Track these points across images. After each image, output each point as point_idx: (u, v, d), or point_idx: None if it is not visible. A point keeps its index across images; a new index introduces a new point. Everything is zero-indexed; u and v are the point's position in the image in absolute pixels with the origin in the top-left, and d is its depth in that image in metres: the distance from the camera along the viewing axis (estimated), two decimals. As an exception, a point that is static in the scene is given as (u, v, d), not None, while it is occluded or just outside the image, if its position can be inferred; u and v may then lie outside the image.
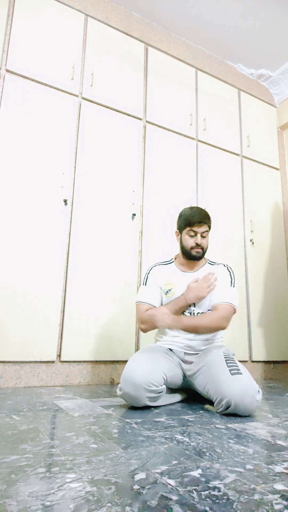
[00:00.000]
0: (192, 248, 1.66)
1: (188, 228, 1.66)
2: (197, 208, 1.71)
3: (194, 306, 1.63)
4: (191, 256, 1.68)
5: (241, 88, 3.32)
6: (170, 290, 1.67)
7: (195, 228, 1.65)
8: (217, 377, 1.39)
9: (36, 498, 0.62)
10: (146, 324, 1.60)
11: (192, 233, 1.66)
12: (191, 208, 1.72)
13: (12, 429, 1.07)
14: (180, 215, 1.73)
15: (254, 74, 3.42)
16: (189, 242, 1.66)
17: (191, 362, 1.60)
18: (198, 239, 1.65)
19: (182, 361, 1.62)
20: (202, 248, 1.67)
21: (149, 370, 1.41)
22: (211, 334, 1.65)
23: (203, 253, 1.69)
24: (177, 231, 1.75)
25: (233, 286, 1.65)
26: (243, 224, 2.96)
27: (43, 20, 2.35)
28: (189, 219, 1.65)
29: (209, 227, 1.69)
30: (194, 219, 1.64)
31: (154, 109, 2.70)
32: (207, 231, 1.68)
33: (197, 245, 1.65)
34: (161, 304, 1.67)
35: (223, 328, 1.59)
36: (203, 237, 1.67)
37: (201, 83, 3.04)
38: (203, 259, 1.74)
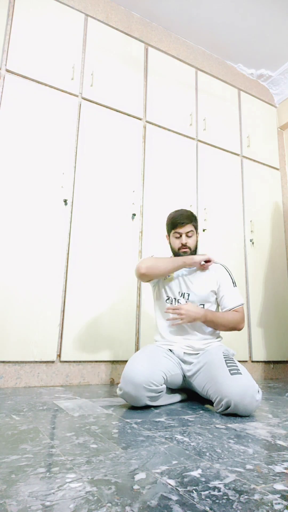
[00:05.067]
0: (179, 249, 1.70)
1: (173, 231, 1.71)
2: (181, 209, 1.76)
3: (189, 296, 1.66)
4: None
5: (241, 88, 3.32)
6: (169, 275, 1.71)
7: (179, 230, 1.69)
8: (217, 377, 1.39)
9: (36, 498, 0.62)
10: (148, 269, 1.62)
11: (177, 235, 1.70)
12: (176, 211, 1.76)
13: (12, 429, 1.07)
14: (167, 219, 1.77)
15: (254, 74, 3.42)
16: (176, 243, 1.71)
17: (190, 363, 1.60)
18: (183, 239, 1.69)
19: (181, 361, 1.62)
20: (190, 248, 1.70)
21: (149, 369, 1.41)
22: (210, 334, 1.66)
23: (191, 253, 1.72)
24: (167, 235, 1.79)
25: (235, 286, 1.70)
26: (243, 224, 2.96)
27: (43, 20, 2.35)
28: (172, 221, 1.71)
29: (195, 227, 1.73)
30: (176, 221, 1.69)
31: (154, 109, 2.70)
32: (192, 230, 1.71)
33: (183, 245, 1.69)
34: (160, 290, 1.75)
35: (240, 329, 1.64)
36: (188, 237, 1.70)
37: (201, 83, 3.04)
38: None
